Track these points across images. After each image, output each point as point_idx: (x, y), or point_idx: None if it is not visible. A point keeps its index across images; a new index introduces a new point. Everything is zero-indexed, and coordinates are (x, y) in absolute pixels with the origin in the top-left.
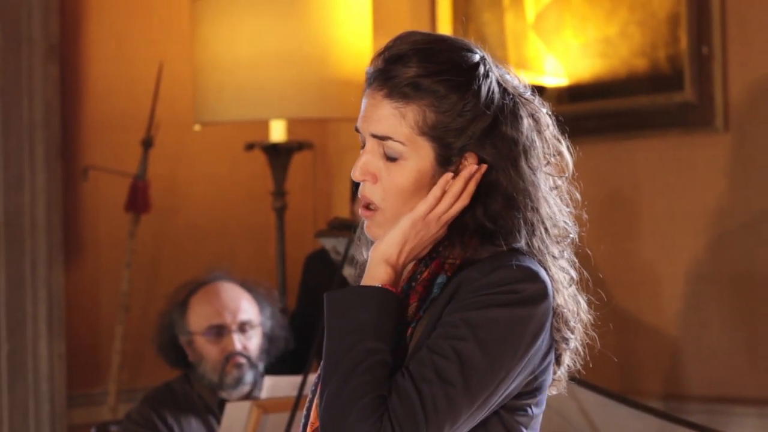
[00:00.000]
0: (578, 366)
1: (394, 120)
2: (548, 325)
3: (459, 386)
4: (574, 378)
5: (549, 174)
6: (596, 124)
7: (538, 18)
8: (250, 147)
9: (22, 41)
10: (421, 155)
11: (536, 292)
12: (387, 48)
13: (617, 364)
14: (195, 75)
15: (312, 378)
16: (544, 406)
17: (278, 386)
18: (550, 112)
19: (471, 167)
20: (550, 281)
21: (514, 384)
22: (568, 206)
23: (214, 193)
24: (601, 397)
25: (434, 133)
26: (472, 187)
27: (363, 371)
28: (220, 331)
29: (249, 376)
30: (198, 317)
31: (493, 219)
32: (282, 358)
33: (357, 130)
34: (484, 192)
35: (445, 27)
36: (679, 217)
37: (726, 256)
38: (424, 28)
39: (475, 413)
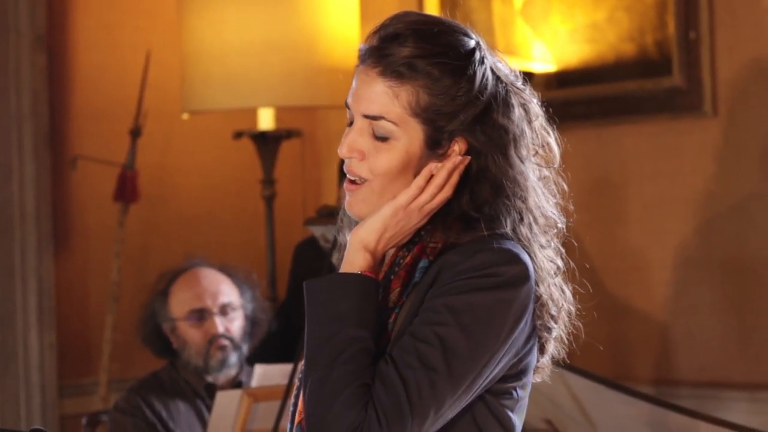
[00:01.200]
0: (563, 354)
1: (387, 99)
2: (531, 306)
3: (443, 372)
4: (565, 364)
5: (537, 164)
6: (584, 109)
7: (526, 4)
8: (238, 135)
9: (9, 32)
10: (410, 136)
11: (518, 275)
12: (383, 26)
13: (608, 350)
14: (183, 64)
15: (302, 366)
16: (529, 389)
17: (269, 374)
18: (539, 103)
19: (455, 158)
20: (536, 270)
21: (498, 367)
22: (555, 196)
23: (202, 181)
24: (592, 383)
25: (426, 115)
26: (455, 178)
27: (346, 360)
28: (201, 315)
29: (233, 358)
30: (179, 303)
31: (479, 206)
32: (272, 346)
33: (347, 106)
34: (472, 179)
35: (432, 13)
36: (668, 203)
37: (715, 240)
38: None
39: (460, 398)
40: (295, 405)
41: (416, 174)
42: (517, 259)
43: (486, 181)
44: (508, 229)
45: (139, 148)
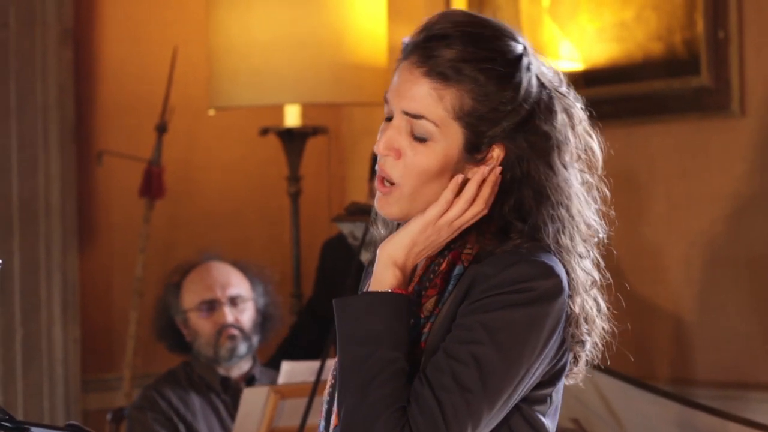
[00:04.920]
0: (597, 361)
1: (430, 100)
2: (564, 318)
3: (478, 392)
4: (593, 363)
5: (580, 170)
6: (612, 108)
7: (554, 2)
8: (264, 132)
9: (36, 25)
10: (450, 139)
11: (551, 288)
12: (430, 24)
13: (633, 349)
14: (209, 59)
15: (330, 363)
16: (561, 393)
17: (296, 371)
18: (583, 107)
19: (484, 170)
20: (572, 282)
21: (533, 378)
22: (597, 203)
23: (228, 178)
24: (620, 383)
25: (468, 120)
26: (486, 191)
27: (381, 383)
28: (211, 306)
29: (242, 348)
30: (190, 294)
31: (522, 215)
32: (299, 343)
33: (386, 101)
34: (515, 186)
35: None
36: (695, 202)
37: (742, 240)
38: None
39: (496, 413)
40: (330, 403)
41: (452, 179)
42: (551, 272)
43: (529, 188)
44: (550, 239)
45: (165, 144)
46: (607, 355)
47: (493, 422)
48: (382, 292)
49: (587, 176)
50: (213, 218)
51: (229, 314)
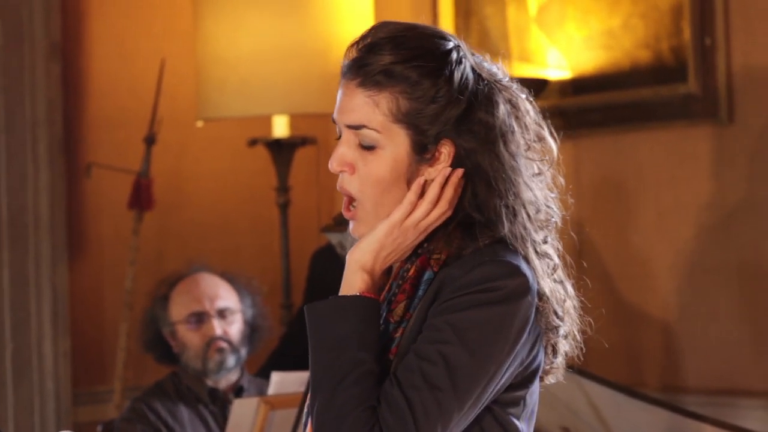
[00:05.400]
0: (577, 353)
1: (367, 108)
2: (533, 317)
3: (448, 390)
4: (582, 371)
5: (531, 159)
6: (600, 116)
7: (541, 11)
8: (253, 143)
9: (24, 40)
10: (396, 143)
11: (518, 287)
12: (361, 38)
13: (622, 356)
14: (197, 71)
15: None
16: (537, 396)
17: (285, 382)
18: (530, 99)
19: (445, 171)
20: (533, 272)
21: (503, 379)
22: (552, 191)
23: (217, 189)
24: (610, 390)
25: (408, 120)
26: (449, 193)
27: (350, 384)
28: (200, 318)
29: (231, 361)
30: (178, 307)
31: (479, 207)
32: (288, 354)
33: (334, 122)
34: (468, 180)
35: (446, 21)
36: (683, 209)
37: (731, 247)
38: (426, 22)
39: (467, 413)
40: (307, 415)
41: (409, 184)
42: (517, 272)
43: (481, 180)
44: (506, 230)
45: (153, 156)
46: (597, 359)
47: (463, 422)
48: (350, 296)
49: (541, 166)
50: (202, 229)
51: (217, 327)
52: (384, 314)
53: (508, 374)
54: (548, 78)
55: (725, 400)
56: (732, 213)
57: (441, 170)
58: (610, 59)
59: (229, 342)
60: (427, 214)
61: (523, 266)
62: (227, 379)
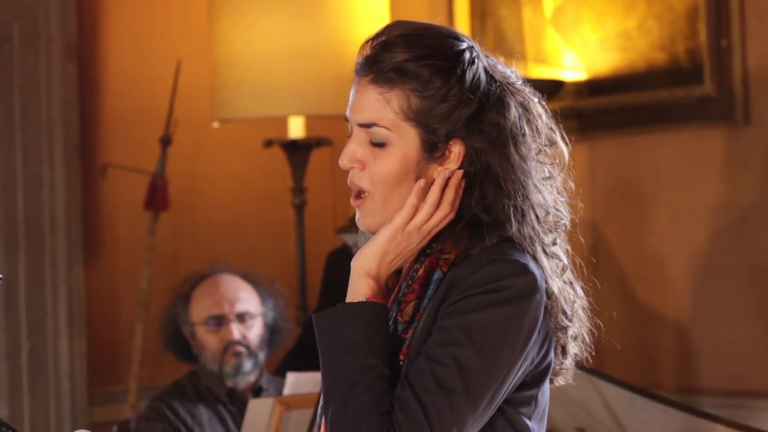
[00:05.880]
0: (585, 355)
1: (379, 105)
2: (542, 316)
3: (460, 392)
4: (597, 372)
5: (542, 163)
6: (615, 118)
7: (556, 12)
8: (268, 144)
9: (40, 40)
10: (406, 141)
11: (526, 286)
12: (375, 36)
13: (637, 358)
14: (213, 72)
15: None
16: (548, 395)
17: (301, 382)
18: (543, 103)
19: (445, 173)
20: (541, 271)
21: (515, 378)
22: (562, 195)
23: (233, 190)
24: (625, 392)
25: (419, 118)
26: (450, 195)
27: (361, 390)
28: (219, 321)
29: (248, 365)
30: (199, 308)
31: (487, 208)
32: (304, 354)
33: (346, 119)
34: (477, 180)
35: (462, 22)
36: (699, 211)
37: (746, 249)
38: (442, 23)
39: (480, 415)
40: (320, 416)
41: (417, 180)
42: (525, 270)
43: (490, 181)
44: (514, 230)
45: (169, 157)
46: (612, 360)
47: (478, 424)
48: (356, 303)
49: (552, 169)
50: (218, 230)
51: (235, 331)
52: (394, 315)
53: (520, 373)
54: (564, 79)
55: (740, 401)
56: (747, 214)
57: (442, 172)
58: (626, 61)
59: (247, 346)
60: (429, 216)
61: (531, 265)
62: (246, 380)
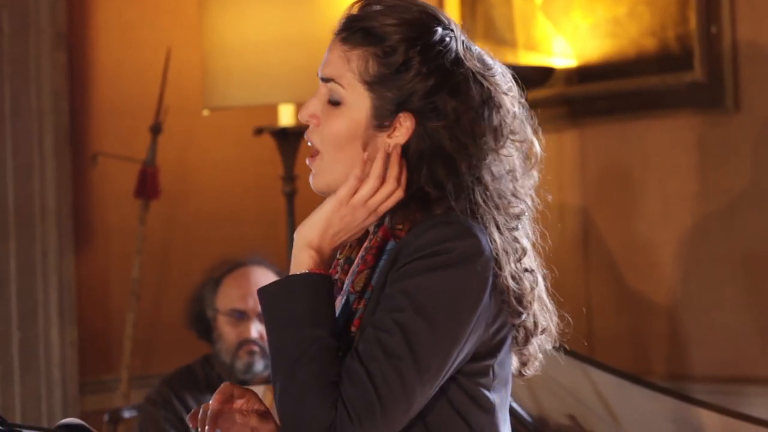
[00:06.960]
0: (550, 345)
1: (340, 63)
2: (490, 280)
3: (407, 358)
4: (589, 359)
5: (507, 156)
6: (606, 104)
7: None
8: (259, 131)
9: (29, 29)
10: (358, 104)
11: (470, 248)
12: (357, 0)
13: (628, 345)
14: (203, 60)
15: None
16: (508, 367)
17: None
18: (522, 100)
19: (387, 147)
20: (494, 251)
21: (467, 345)
22: (529, 187)
23: (223, 178)
24: (616, 378)
25: (373, 82)
26: (395, 169)
27: (308, 361)
28: (241, 316)
29: (259, 366)
30: (225, 297)
31: (436, 184)
32: None
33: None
34: (427, 156)
35: (452, 9)
36: (689, 198)
37: (737, 236)
38: None
39: (430, 381)
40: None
41: (364, 148)
42: (467, 233)
43: (440, 160)
44: (462, 204)
45: (159, 145)
46: (604, 348)
47: (428, 392)
48: (299, 274)
49: (515, 160)
50: (209, 218)
51: (254, 330)
52: (347, 287)
53: (472, 340)
54: (554, 66)
55: (731, 388)
56: (737, 201)
57: (388, 144)
58: (616, 47)
59: (263, 347)
60: (374, 191)
61: (475, 228)
62: (259, 376)
